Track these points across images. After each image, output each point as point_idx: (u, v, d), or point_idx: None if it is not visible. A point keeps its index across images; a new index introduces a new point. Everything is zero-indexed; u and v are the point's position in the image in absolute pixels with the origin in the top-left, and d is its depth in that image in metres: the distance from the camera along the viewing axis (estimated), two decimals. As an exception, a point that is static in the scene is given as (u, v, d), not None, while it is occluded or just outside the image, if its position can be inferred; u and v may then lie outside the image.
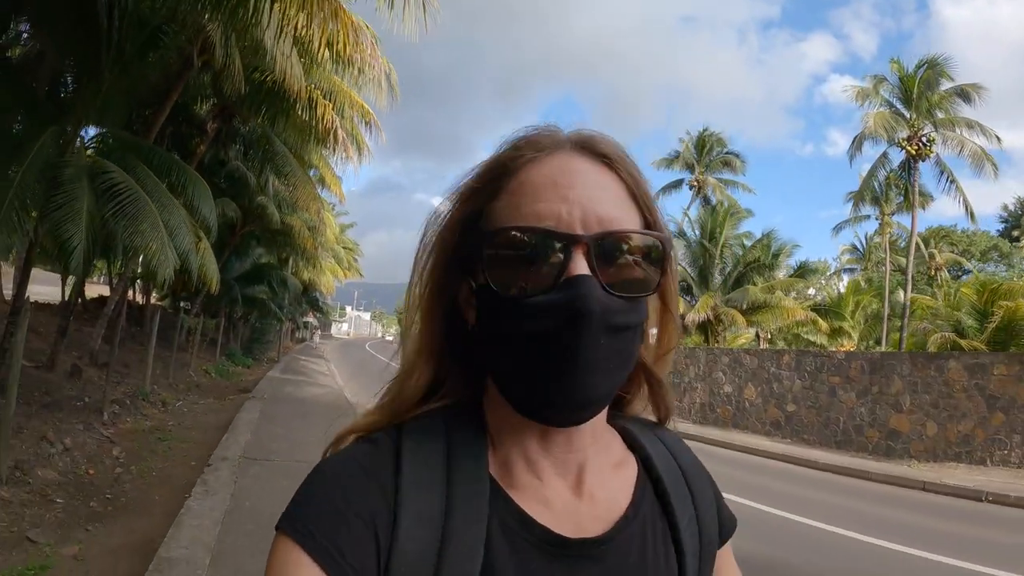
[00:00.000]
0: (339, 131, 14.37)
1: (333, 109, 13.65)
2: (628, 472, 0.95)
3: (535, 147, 0.84)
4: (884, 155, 32.77)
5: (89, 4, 9.89)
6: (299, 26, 8.75)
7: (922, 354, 17.44)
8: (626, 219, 0.83)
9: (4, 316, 16.21)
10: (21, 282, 11.24)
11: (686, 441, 1.02)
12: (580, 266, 0.77)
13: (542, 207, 0.79)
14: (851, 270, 55.23)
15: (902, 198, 34.83)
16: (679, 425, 1.02)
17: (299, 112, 13.15)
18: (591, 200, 0.80)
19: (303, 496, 0.78)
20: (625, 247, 0.81)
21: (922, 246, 48.10)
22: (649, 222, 0.87)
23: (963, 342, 18.24)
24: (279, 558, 0.74)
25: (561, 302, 0.76)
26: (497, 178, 0.84)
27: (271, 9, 8.17)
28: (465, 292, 0.88)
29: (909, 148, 30.97)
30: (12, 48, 13.56)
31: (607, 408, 0.91)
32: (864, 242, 52.60)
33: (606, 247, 0.79)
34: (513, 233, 0.79)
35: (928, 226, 55.83)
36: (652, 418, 1.05)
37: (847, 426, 17.44)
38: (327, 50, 9.28)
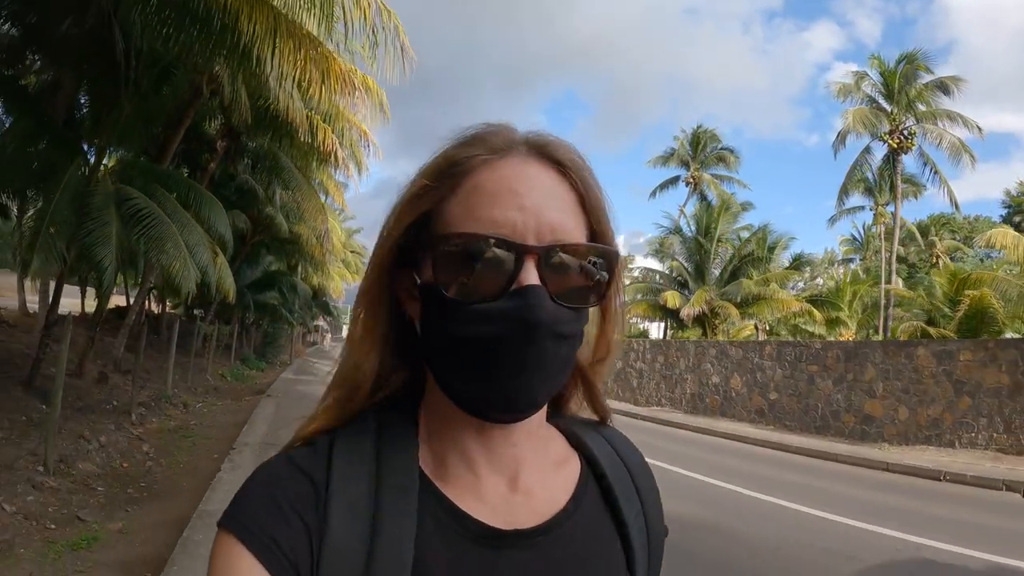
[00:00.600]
0: (339, 152, 15.45)
1: (333, 132, 14.66)
2: (570, 470, 0.95)
3: (489, 147, 0.84)
4: (867, 149, 33.58)
5: (108, 47, 10.92)
6: (297, 76, 9.85)
7: (893, 342, 18.26)
8: (576, 229, 0.83)
9: (27, 329, 17.31)
10: (54, 299, 12.33)
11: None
12: (531, 276, 0.77)
13: (498, 214, 0.79)
14: (850, 260, 55.57)
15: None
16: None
17: (301, 137, 14.08)
18: (545, 208, 0.80)
19: (241, 494, 0.80)
20: (574, 259, 0.81)
21: (918, 235, 48.57)
22: (597, 232, 0.87)
23: (932, 330, 19.03)
24: (219, 552, 0.77)
25: (511, 311, 0.76)
26: (450, 176, 0.83)
27: (272, 59, 9.35)
28: (407, 284, 0.87)
29: (891, 142, 31.75)
30: (27, 76, 14.15)
31: (546, 407, 0.92)
32: (862, 232, 52.94)
33: (556, 258, 0.80)
34: (468, 239, 0.78)
35: (929, 213, 56.11)
36: (594, 417, 1.07)
37: (825, 412, 18.28)
38: (323, 87, 10.31)
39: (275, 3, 10.08)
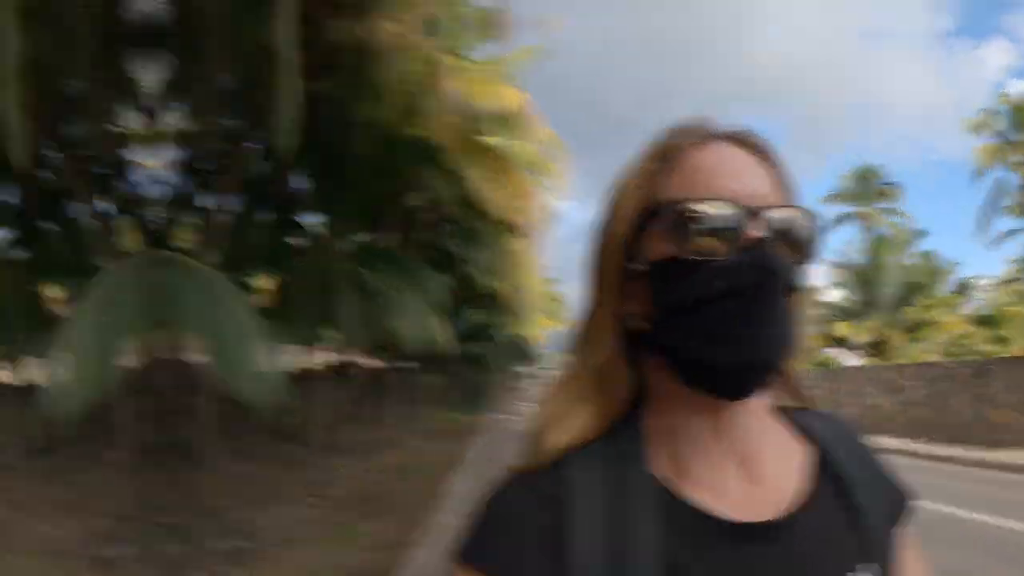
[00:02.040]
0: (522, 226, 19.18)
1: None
2: (801, 457, 0.92)
3: (694, 135, 0.87)
4: (1002, 180, 33.70)
5: (339, 160, 14.01)
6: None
7: (1015, 359, 19.68)
8: (780, 202, 0.85)
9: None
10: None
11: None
12: (758, 231, 0.79)
13: (722, 184, 0.82)
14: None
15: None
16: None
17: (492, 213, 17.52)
18: (757, 182, 0.84)
19: (479, 524, 0.81)
20: (786, 220, 0.83)
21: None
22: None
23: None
24: None
25: (750, 260, 0.79)
26: (667, 160, 0.85)
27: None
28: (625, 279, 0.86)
29: (1022, 172, 31.96)
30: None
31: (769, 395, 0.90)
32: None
33: (778, 220, 0.82)
34: (708, 202, 0.80)
35: None
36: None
37: (958, 423, 19.59)
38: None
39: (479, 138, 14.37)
